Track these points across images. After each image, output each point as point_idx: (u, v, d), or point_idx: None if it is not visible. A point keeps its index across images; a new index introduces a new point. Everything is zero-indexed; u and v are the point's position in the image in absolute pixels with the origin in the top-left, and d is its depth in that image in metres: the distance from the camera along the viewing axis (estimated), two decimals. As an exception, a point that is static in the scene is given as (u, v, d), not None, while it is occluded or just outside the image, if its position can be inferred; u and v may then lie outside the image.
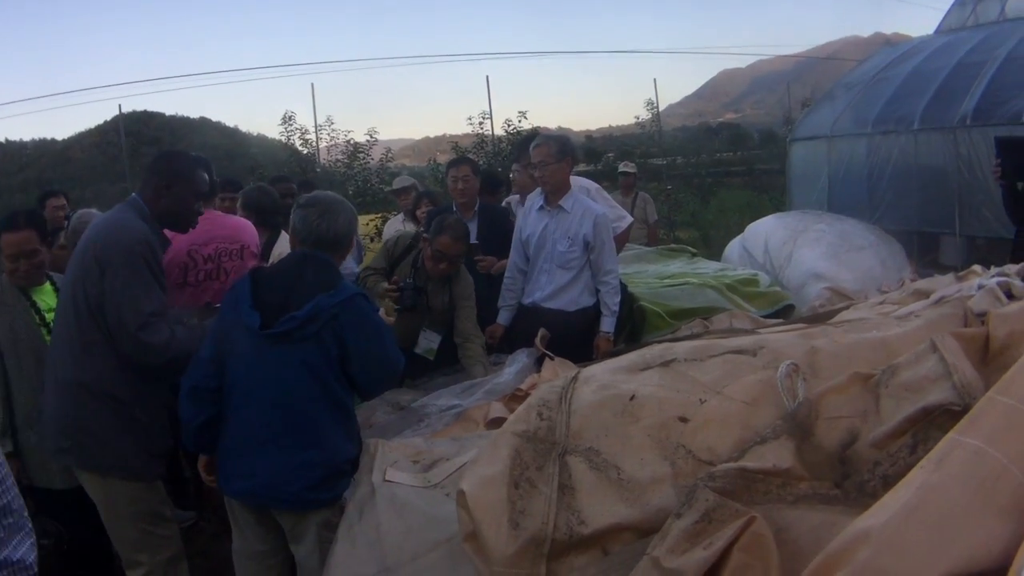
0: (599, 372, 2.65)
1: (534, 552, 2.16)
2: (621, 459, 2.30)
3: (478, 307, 5.20)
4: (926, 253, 8.41)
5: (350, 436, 3.39)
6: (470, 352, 4.93)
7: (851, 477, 2.12)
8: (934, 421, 2.06)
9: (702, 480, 2.05)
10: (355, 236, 3.63)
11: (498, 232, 5.96)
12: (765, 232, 8.04)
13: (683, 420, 2.38)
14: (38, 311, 4.20)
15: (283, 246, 5.45)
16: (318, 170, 15.92)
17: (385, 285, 5.02)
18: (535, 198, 5.40)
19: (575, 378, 2.61)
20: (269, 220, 5.56)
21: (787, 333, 3.04)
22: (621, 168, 10.63)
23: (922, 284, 4.74)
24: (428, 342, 5.10)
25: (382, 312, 4.08)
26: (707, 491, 1.99)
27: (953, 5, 11.09)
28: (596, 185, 6.40)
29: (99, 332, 3.51)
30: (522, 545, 2.16)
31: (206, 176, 4.00)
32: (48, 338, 4.07)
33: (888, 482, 1.99)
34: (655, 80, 20.50)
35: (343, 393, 3.34)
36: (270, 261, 5.23)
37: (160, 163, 3.93)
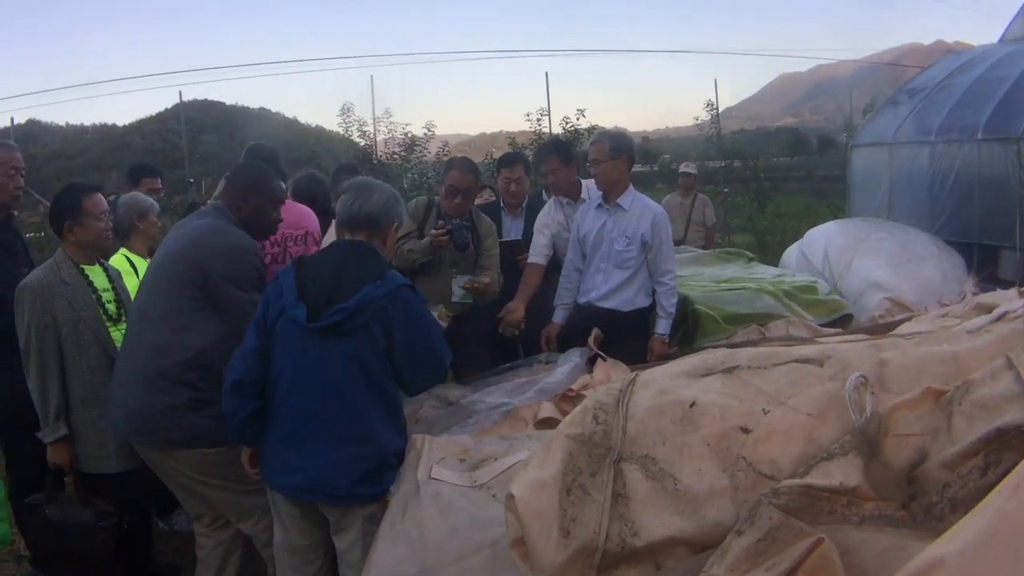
0: (658, 376, 2.55)
1: (584, 563, 2.08)
2: (678, 469, 2.20)
3: (528, 304, 5.26)
4: (985, 266, 8.15)
5: (397, 429, 3.32)
6: (485, 274, 5.21)
7: (918, 499, 2.00)
8: (1008, 443, 1.93)
9: (766, 496, 1.94)
10: (397, 219, 3.52)
11: None
12: (825, 238, 7.87)
13: (745, 431, 2.28)
14: (94, 289, 4.20)
15: (332, 235, 5.46)
16: (375, 162, 15.91)
17: (433, 231, 5.08)
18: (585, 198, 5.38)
19: (633, 381, 2.51)
20: (320, 207, 5.58)
21: (855, 343, 2.91)
22: (682, 169, 10.51)
23: (985, 298, 4.60)
24: (461, 287, 5.21)
25: (436, 315, 4.04)
26: (771, 508, 1.89)
27: (1018, 14, 10.79)
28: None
29: (180, 334, 3.59)
30: (572, 555, 2.08)
31: (282, 184, 4.06)
32: (104, 317, 4.15)
33: (957, 505, 1.89)
34: (715, 81, 20.30)
35: (390, 385, 3.28)
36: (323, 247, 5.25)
37: (237, 177, 4.02)
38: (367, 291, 3.16)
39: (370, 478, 3.17)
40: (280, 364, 3.26)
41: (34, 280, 3.95)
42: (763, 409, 2.34)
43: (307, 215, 5.10)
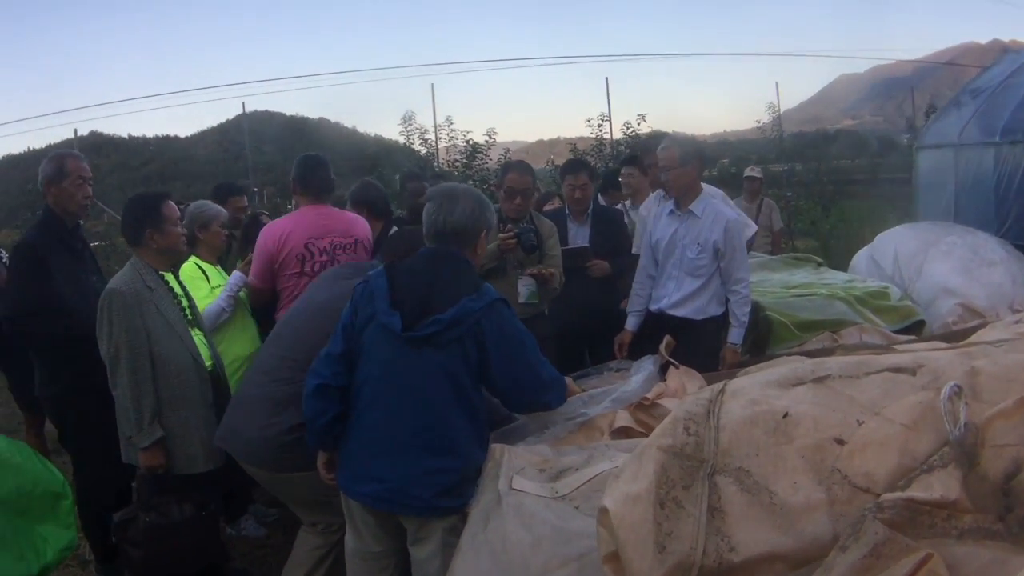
0: (748, 386, 2.48)
1: (680, 579, 2.02)
2: (773, 482, 2.13)
3: (590, 311, 5.36)
4: (1053, 272, 7.94)
5: (481, 443, 3.29)
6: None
7: (1014, 511, 1.92)
8: (1106, 454, 1.86)
9: (869, 511, 1.88)
10: (486, 226, 3.48)
11: (611, 235, 6.00)
12: (895, 243, 7.71)
13: (839, 442, 2.20)
14: (175, 295, 4.27)
15: None
16: (436, 170, 15.96)
17: (501, 236, 5.07)
18: (652, 203, 5.34)
19: (722, 391, 2.44)
20: (379, 212, 5.65)
21: (946, 351, 2.82)
22: (747, 173, 10.37)
23: (1059, 305, 4.48)
24: (527, 287, 5.23)
25: None
26: (876, 523, 1.83)
27: (1081, 12, 10.56)
28: (721, 192, 6.24)
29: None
30: (668, 570, 2.02)
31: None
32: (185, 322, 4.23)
33: (1054, 519, 1.81)
34: (777, 83, 20.10)
35: (477, 399, 3.25)
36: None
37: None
38: (464, 304, 3.14)
39: (452, 490, 3.14)
40: (366, 371, 3.25)
41: (122, 286, 3.99)
42: (857, 420, 2.26)
43: (358, 224, 5.19)
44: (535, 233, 5.13)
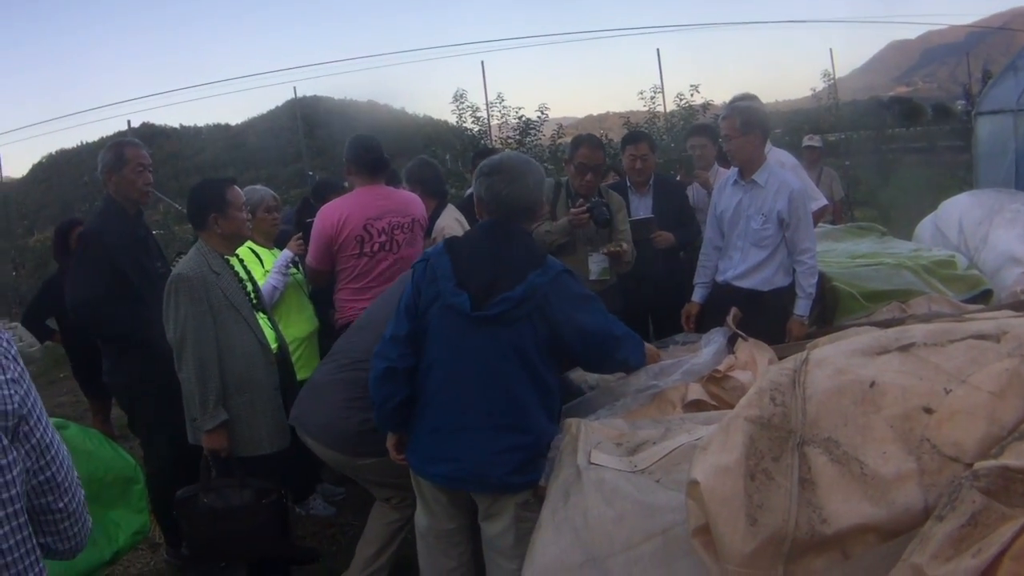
0: (832, 354, 2.44)
1: (773, 551, 2.00)
2: (863, 452, 2.11)
3: (655, 283, 5.36)
4: (1117, 236, 7.76)
5: (552, 417, 3.28)
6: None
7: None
8: None
9: (966, 479, 1.84)
10: (547, 201, 3.45)
11: (673, 206, 5.99)
12: (959, 210, 7.55)
13: (928, 411, 2.17)
14: (240, 280, 4.30)
15: (446, 219, 5.70)
16: (490, 147, 15.91)
17: (573, 210, 5.08)
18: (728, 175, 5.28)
19: (806, 360, 2.41)
20: (433, 190, 5.67)
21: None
22: (806, 142, 10.18)
23: None
24: (598, 264, 5.27)
25: None
26: (974, 491, 1.80)
27: None
28: (794, 160, 6.16)
29: None
30: (761, 543, 2.01)
31: None
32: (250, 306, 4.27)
33: None
34: (831, 50, 19.78)
35: (548, 374, 3.22)
36: (432, 233, 5.51)
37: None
38: (532, 279, 3.11)
39: (526, 467, 3.14)
40: (434, 352, 3.23)
41: (189, 271, 4.01)
42: (944, 388, 2.23)
43: (414, 202, 5.21)
44: (607, 207, 5.11)
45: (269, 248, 5.43)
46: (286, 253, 5.23)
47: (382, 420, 3.42)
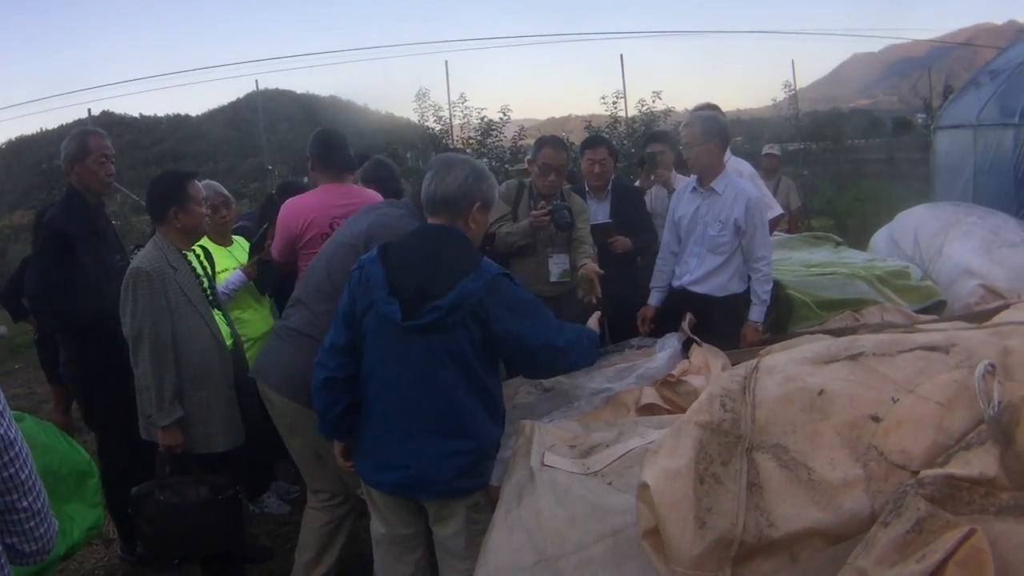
0: (782, 362, 2.49)
1: (721, 554, 2.04)
2: (811, 458, 2.15)
3: (612, 285, 5.20)
4: (1072, 254, 7.91)
5: (495, 419, 3.26)
6: (582, 251, 5.19)
7: (1051, 489, 1.94)
8: None
9: (911, 487, 1.89)
10: (479, 198, 3.32)
11: (631, 212, 6.00)
12: (915, 222, 7.68)
13: (875, 419, 2.22)
14: (197, 275, 4.27)
15: None
16: (451, 147, 15.85)
17: (534, 212, 5.09)
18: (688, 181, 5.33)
19: (756, 368, 2.45)
20: (390, 190, 5.63)
21: (978, 331, 2.82)
22: (766, 151, 10.30)
23: (1082, 287, 4.49)
24: (559, 266, 5.27)
25: None
26: (918, 499, 1.85)
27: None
28: (752, 169, 6.22)
29: (331, 303, 3.59)
30: (709, 546, 2.05)
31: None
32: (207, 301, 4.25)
33: (1088, 495, 1.83)
34: (793, 62, 20.00)
35: (488, 376, 3.18)
36: None
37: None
38: (463, 286, 3.05)
39: (471, 471, 3.14)
40: (372, 360, 3.21)
41: (147, 265, 3.98)
42: (892, 397, 2.28)
43: (375, 199, 5.05)
44: (569, 210, 5.10)
45: (223, 245, 5.39)
46: (239, 276, 5.16)
47: (326, 428, 3.40)
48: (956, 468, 1.96)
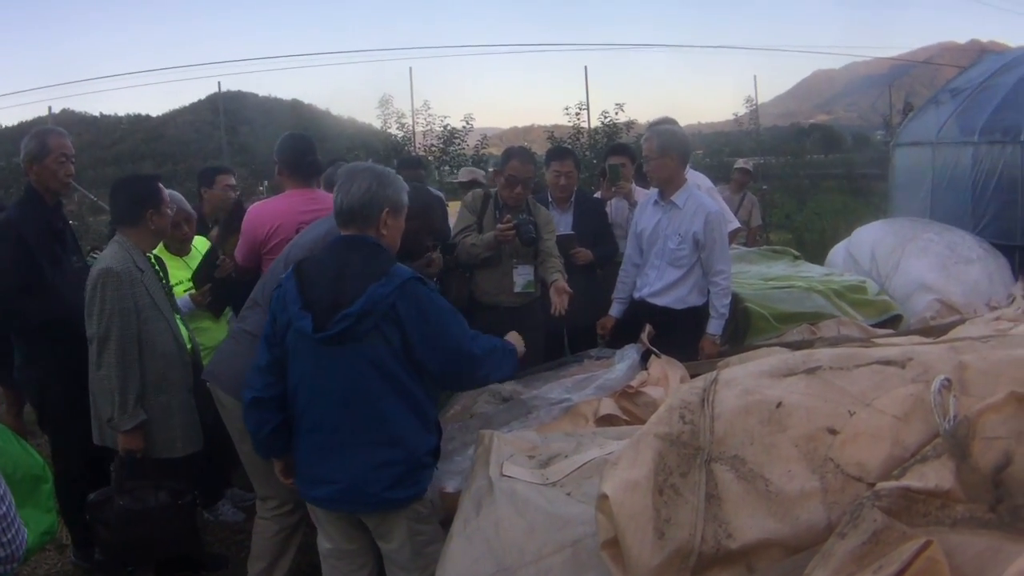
0: (741, 375, 2.51)
1: (680, 564, 2.06)
2: (768, 470, 2.17)
3: (575, 298, 5.18)
4: (1027, 269, 8.07)
5: (427, 426, 3.23)
6: (550, 263, 5.18)
7: (1005, 501, 1.97)
8: (1095, 447, 1.90)
9: (868, 499, 1.92)
10: (387, 204, 3.28)
11: (593, 224, 6.04)
12: (872, 238, 7.81)
13: (832, 432, 2.25)
14: (159, 276, 4.25)
15: None
16: (413, 154, 15.86)
17: (499, 226, 5.09)
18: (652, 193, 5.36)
19: (715, 380, 2.48)
20: None
21: (934, 346, 2.87)
22: (738, 165, 10.37)
23: (1040, 301, 4.57)
24: (524, 277, 5.27)
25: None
26: (875, 511, 1.87)
27: (1061, 14, 10.70)
28: (709, 183, 6.28)
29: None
30: (667, 556, 2.06)
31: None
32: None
33: (1045, 508, 1.87)
34: (755, 77, 20.21)
35: (412, 383, 3.14)
36: None
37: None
38: (371, 292, 3.03)
39: (404, 481, 3.12)
40: (296, 376, 3.20)
41: (117, 265, 3.94)
42: (849, 410, 2.31)
43: None
44: (533, 225, 5.11)
45: (180, 255, 5.35)
46: (186, 302, 5.09)
47: (259, 448, 3.39)
48: (912, 480, 1.98)
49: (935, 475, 2.00)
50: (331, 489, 3.17)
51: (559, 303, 4.84)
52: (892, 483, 1.98)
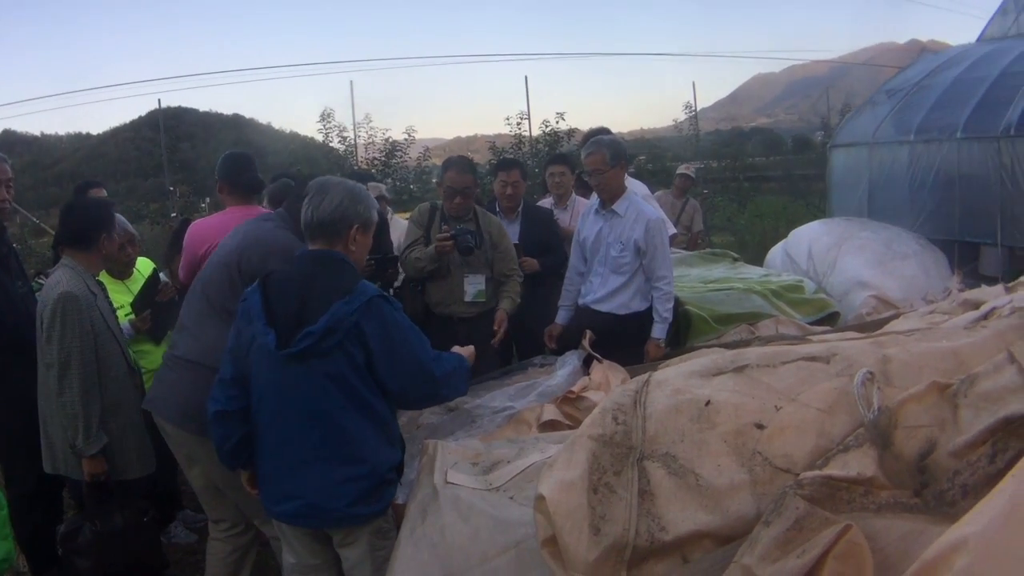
0: (671, 376, 2.61)
1: (615, 559, 2.14)
2: (699, 465, 2.27)
3: (523, 307, 5.31)
4: (966, 263, 8.27)
5: (390, 442, 3.22)
6: (507, 287, 5.30)
7: (930, 486, 2.08)
8: (1015, 431, 2.01)
9: (790, 488, 2.01)
10: (357, 221, 3.28)
11: (540, 233, 6.08)
12: (809, 238, 7.96)
13: (759, 427, 2.34)
14: (108, 299, 4.25)
15: None
16: (355, 168, 15.78)
17: (437, 237, 5.13)
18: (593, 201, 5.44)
19: (647, 382, 2.57)
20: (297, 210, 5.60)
21: (859, 341, 2.98)
22: (681, 170, 10.40)
23: (971, 294, 4.72)
24: (474, 286, 5.27)
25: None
26: (796, 499, 1.96)
27: (996, 14, 10.95)
28: (647, 190, 6.37)
29: (217, 325, 3.60)
30: (603, 551, 2.14)
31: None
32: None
33: (967, 491, 1.99)
34: (694, 83, 20.41)
35: (375, 399, 3.13)
36: None
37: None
38: (335, 309, 3.01)
39: (368, 497, 3.11)
40: (259, 391, 3.18)
41: (76, 290, 3.92)
42: (775, 406, 2.40)
43: None
44: (472, 234, 5.11)
45: (122, 279, 5.32)
46: (127, 328, 5.06)
47: (225, 459, 3.36)
48: (834, 469, 2.08)
49: (857, 463, 2.10)
50: (295, 505, 3.14)
51: (497, 335, 4.98)
52: (815, 472, 2.08)
